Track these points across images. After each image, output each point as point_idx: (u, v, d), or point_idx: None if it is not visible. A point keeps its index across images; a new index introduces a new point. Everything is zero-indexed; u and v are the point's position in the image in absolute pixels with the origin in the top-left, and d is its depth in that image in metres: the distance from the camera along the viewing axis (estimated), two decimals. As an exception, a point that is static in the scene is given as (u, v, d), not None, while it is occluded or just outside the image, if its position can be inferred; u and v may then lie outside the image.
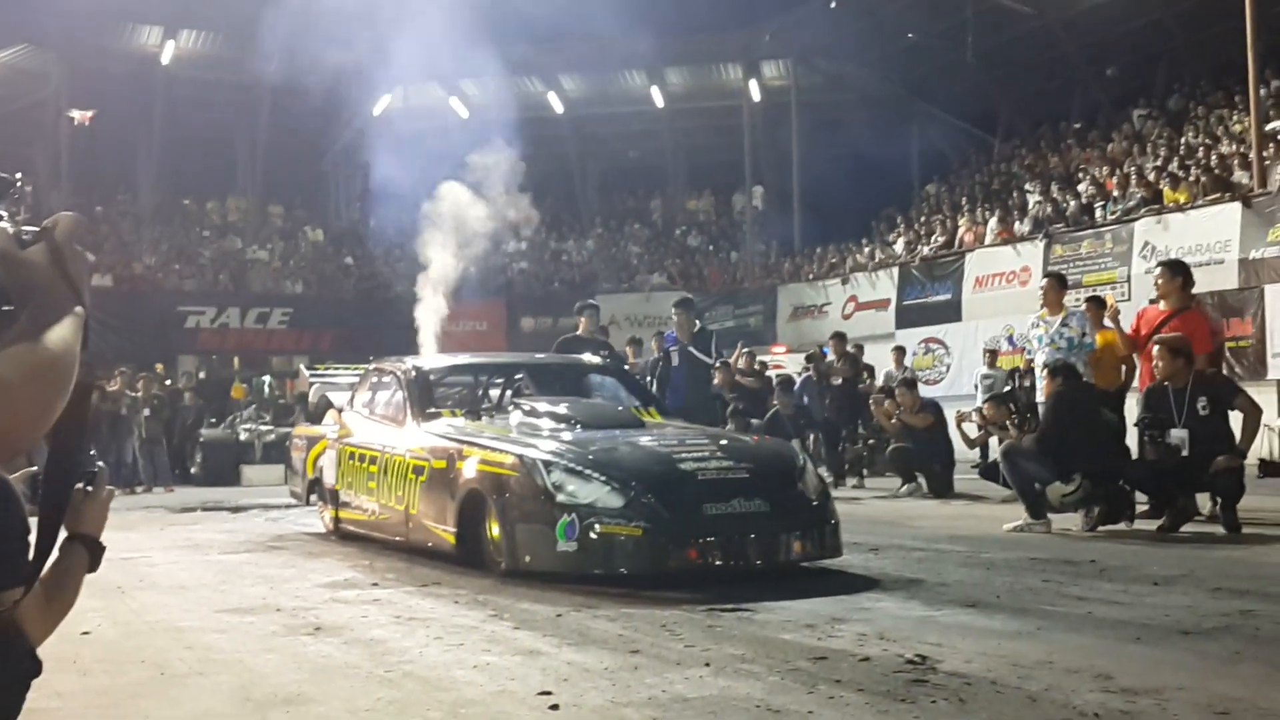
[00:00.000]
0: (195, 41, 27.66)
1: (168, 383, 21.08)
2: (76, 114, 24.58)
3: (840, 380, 15.26)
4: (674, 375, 10.95)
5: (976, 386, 16.54)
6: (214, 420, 19.81)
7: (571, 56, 29.16)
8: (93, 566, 1.84)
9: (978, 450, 13.44)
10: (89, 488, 1.85)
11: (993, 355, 17.52)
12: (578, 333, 11.08)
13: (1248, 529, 7.67)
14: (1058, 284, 9.98)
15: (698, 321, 11.68)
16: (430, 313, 11.13)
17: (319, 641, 4.72)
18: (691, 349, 10.68)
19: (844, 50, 27.50)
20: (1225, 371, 10.23)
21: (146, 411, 17.13)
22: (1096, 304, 10.43)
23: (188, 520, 11.50)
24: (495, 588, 5.99)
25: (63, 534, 1.80)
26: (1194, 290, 9.73)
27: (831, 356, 15.73)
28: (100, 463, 2.02)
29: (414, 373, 8.21)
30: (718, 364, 11.79)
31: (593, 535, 5.89)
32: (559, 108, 31.00)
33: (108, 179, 28.39)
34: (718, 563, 5.93)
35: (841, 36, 26.57)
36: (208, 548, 8.60)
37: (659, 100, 30.60)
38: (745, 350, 16.90)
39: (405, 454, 7.51)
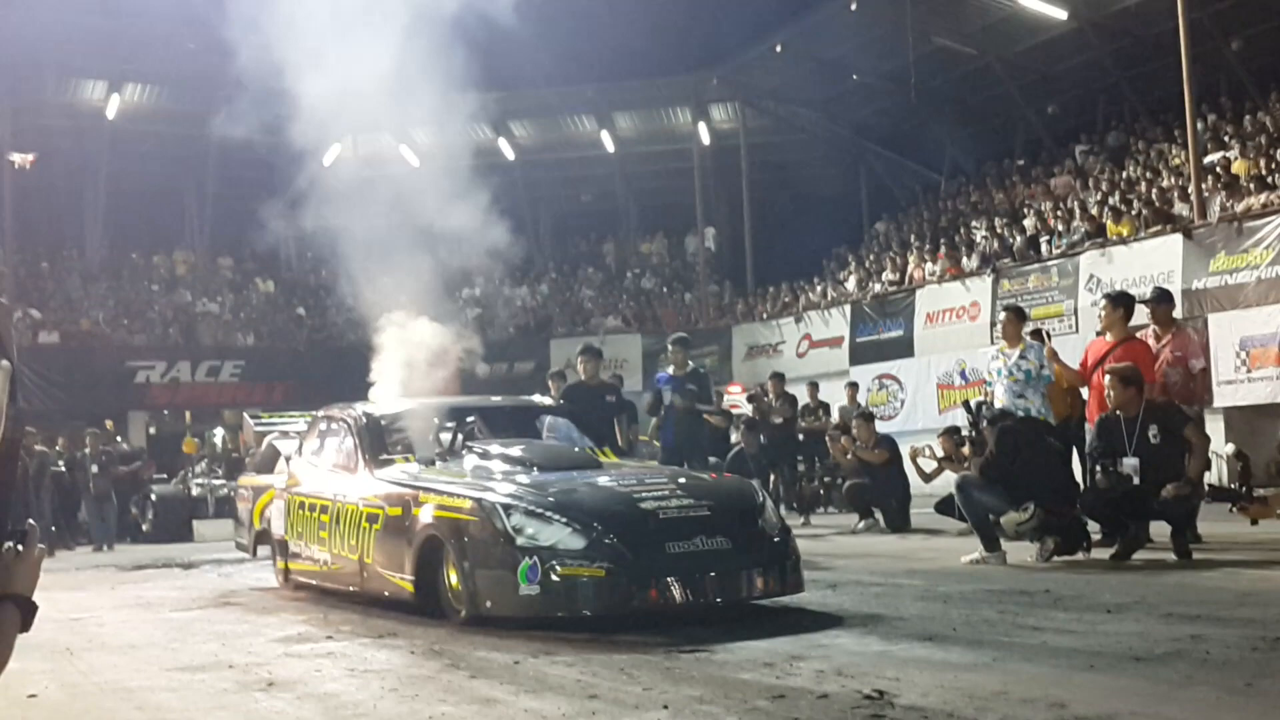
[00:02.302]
0: (140, 95, 27.53)
1: (118, 439, 20.78)
2: (17, 157, 24.25)
3: (780, 420, 15.44)
4: (666, 414, 10.96)
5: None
6: (164, 475, 19.56)
7: (521, 103, 29.32)
8: (24, 627, 1.79)
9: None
10: (19, 546, 1.80)
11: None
12: (582, 379, 10.91)
13: (1197, 555, 7.76)
14: (1016, 316, 9.86)
15: (690, 362, 11.71)
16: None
17: (272, 697, 4.64)
18: (689, 385, 10.75)
19: (791, 93, 27.87)
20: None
21: (94, 468, 16.84)
22: (1034, 336, 10.57)
23: (139, 578, 11.30)
24: (452, 636, 5.92)
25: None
26: (1175, 316, 9.94)
27: (770, 396, 15.91)
28: (30, 520, 1.97)
29: (365, 419, 8.10)
30: (711, 411, 11.84)
31: (555, 578, 5.82)
32: (510, 154, 31.12)
33: (53, 234, 28.07)
34: (680, 602, 5.90)
35: (788, 79, 26.94)
36: (159, 605, 8.45)
37: (609, 145, 30.81)
38: (715, 389, 16.95)
39: (358, 502, 7.42)
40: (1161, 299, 9.56)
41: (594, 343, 11.78)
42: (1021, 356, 9.20)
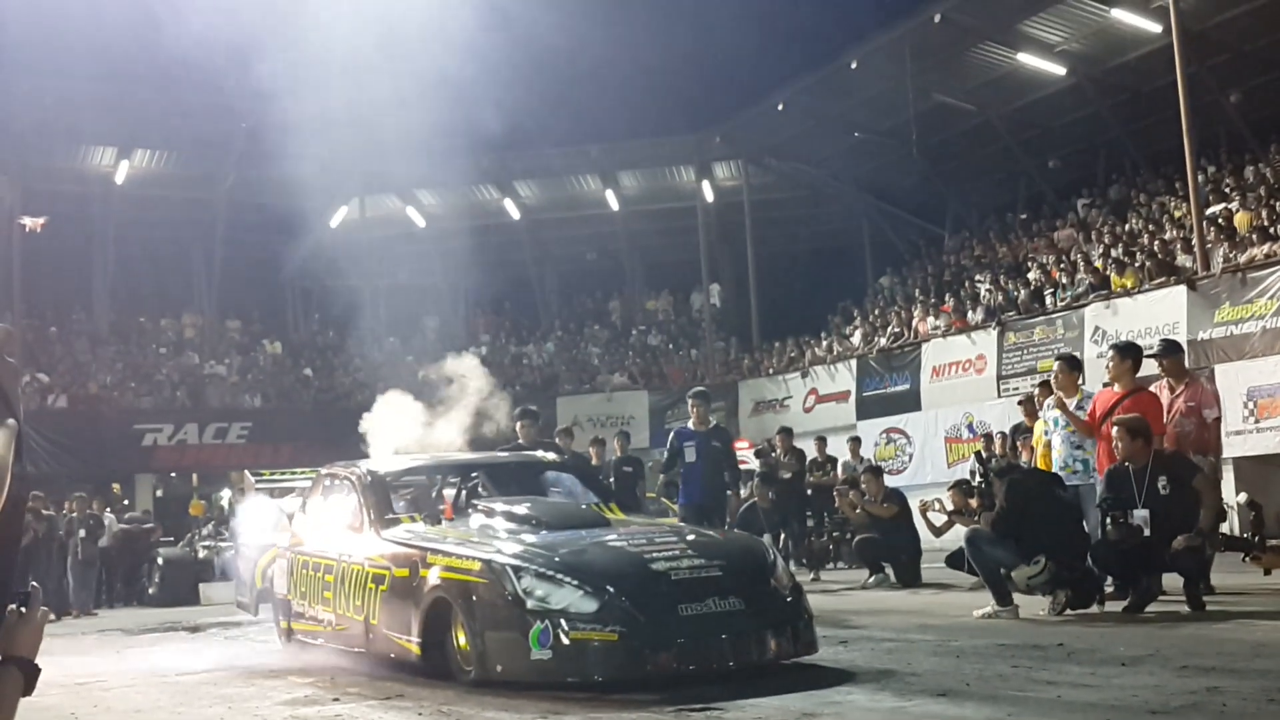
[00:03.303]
0: (149, 161, 27.76)
1: (125, 503, 20.69)
2: (28, 221, 24.25)
3: (789, 475, 15.41)
4: (688, 471, 10.74)
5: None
6: (171, 539, 19.49)
7: (526, 163, 29.59)
8: (27, 690, 1.77)
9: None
10: (23, 609, 1.78)
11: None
12: (519, 441, 10.71)
13: (1211, 606, 7.69)
14: (1068, 366, 9.59)
15: (711, 417, 11.60)
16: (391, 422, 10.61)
17: (278, 760, 4.60)
18: (715, 442, 10.67)
19: (793, 150, 28.09)
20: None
21: (82, 533, 16.76)
22: (1046, 388, 10.50)
23: (145, 642, 11.23)
24: (459, 698, 5.86)
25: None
26: (1185, 366, 9.77)
27: (778, 451, 15.89)
28: (34, 583, 1.96)
29: (369, 477, 8.02)
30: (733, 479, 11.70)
31: (566, 642, 5.73)
32: (515, 214, 31.33)
33: (62, 299, 28.20)
34: (693, 666, 5.79)
35: (790, 137, 27.18)
36: (165, 669, 8.37)
37: (614, 203, 31.01)
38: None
39: (364, 562, 7.35)
40: (1169, 350, 9.43)
41: (530, 406, 11.47)
42: (1078, 407, 9.13)
